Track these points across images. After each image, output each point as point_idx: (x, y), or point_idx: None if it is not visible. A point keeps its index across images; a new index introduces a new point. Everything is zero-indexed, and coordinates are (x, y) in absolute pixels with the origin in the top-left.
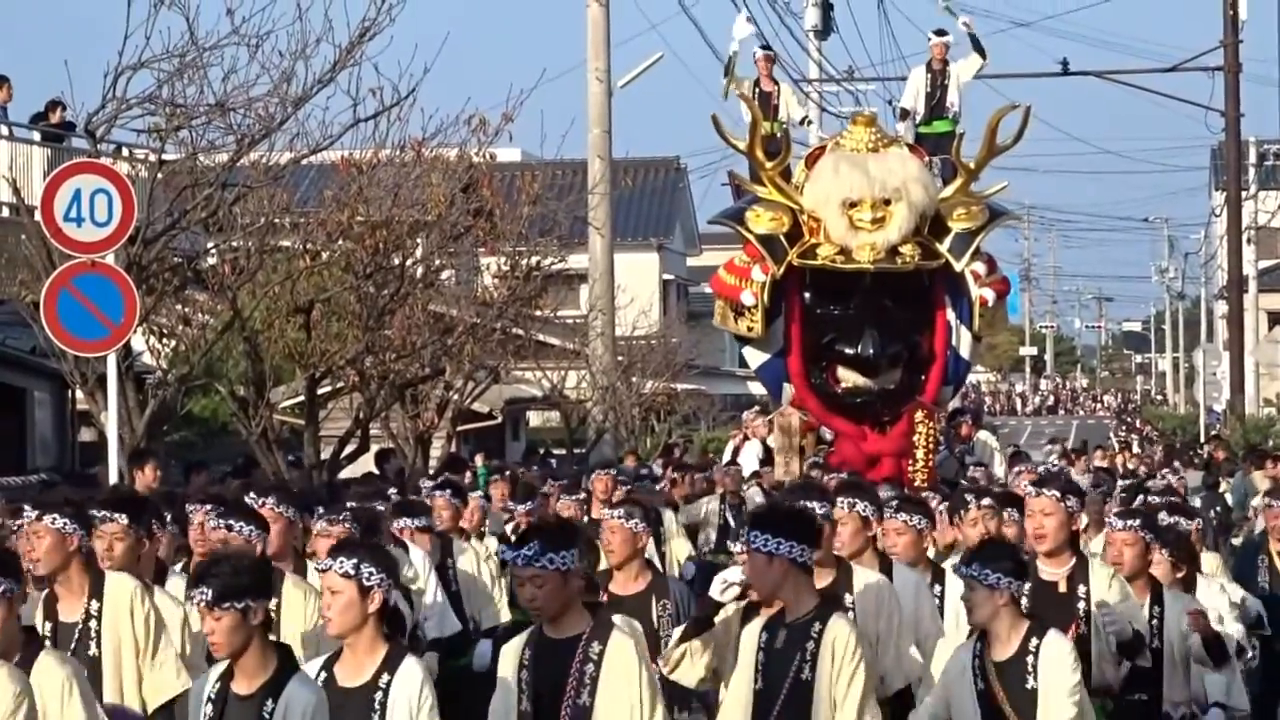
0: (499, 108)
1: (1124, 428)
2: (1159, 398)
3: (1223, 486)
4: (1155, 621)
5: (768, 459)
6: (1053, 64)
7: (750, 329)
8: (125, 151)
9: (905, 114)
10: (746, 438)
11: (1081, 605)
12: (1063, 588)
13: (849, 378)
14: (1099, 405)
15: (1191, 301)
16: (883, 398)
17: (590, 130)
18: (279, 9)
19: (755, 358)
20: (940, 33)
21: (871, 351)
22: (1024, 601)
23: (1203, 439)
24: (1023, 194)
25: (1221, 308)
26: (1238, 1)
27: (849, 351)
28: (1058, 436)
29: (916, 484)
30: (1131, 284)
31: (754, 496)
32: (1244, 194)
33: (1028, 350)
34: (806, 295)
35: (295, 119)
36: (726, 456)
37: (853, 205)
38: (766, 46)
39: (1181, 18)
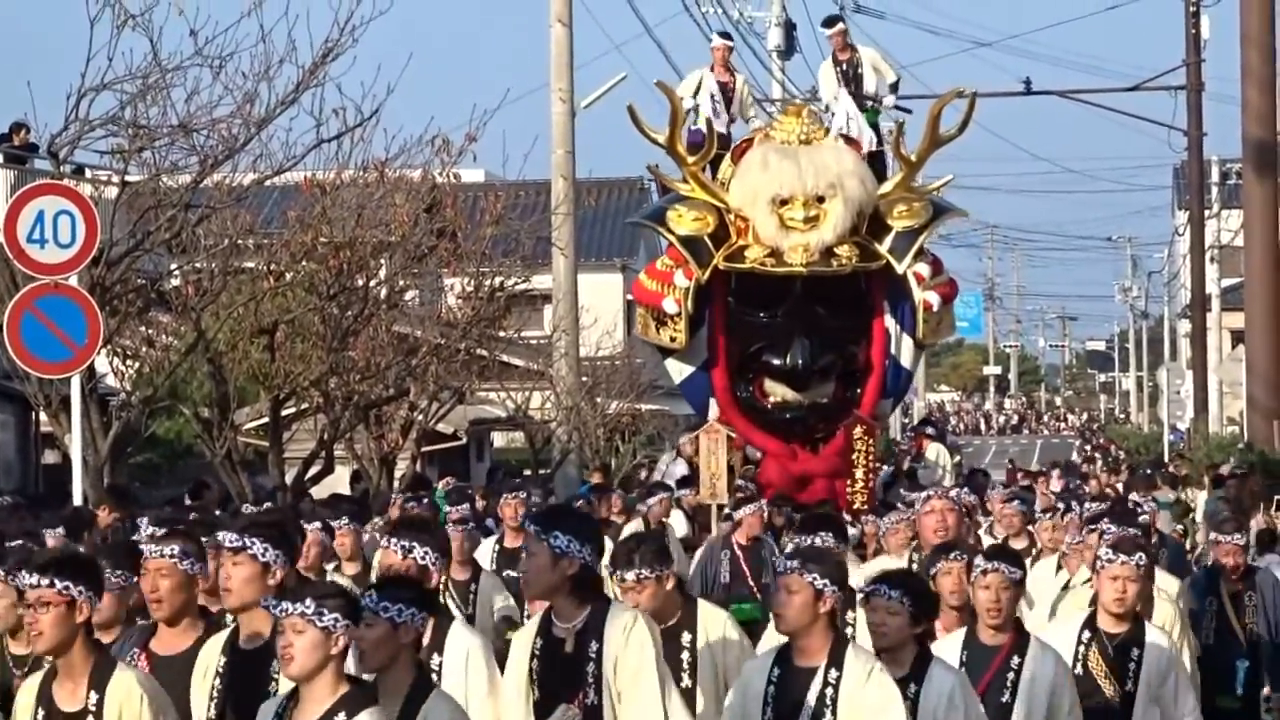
0: (462, 128)
1: (1089, 444)
2: (1122, 416)
3: (1177, 496)
4: (1134, 664)
5: (690, 480)
6: (1016, 83)
7: (673, 339)
8: (88, 173)
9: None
10: (678, 457)
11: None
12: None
13: (777, 391)
14: (1063, 425)
15: (1155, 320)
16: (814, 413)
17: (554, 151)
18: (242, 30)
19: (678, 371)
20: (829, 23)
21: (801, 362)
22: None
23: (1166, 458)
24: (986, 213)
25: (1185, 326)
26: (1199, 21)
27: (777, 363)
28: (1015, 460)
29: (855, 506)
30: (1095, 303)
31: (679, 524)
32: (1207, 213)
33: (992, 369)
34: (732, 301)
35: (258, 140)
36: (660, 470)
37: (784, 203)
38: (725, 35)
39: (1144, 37)
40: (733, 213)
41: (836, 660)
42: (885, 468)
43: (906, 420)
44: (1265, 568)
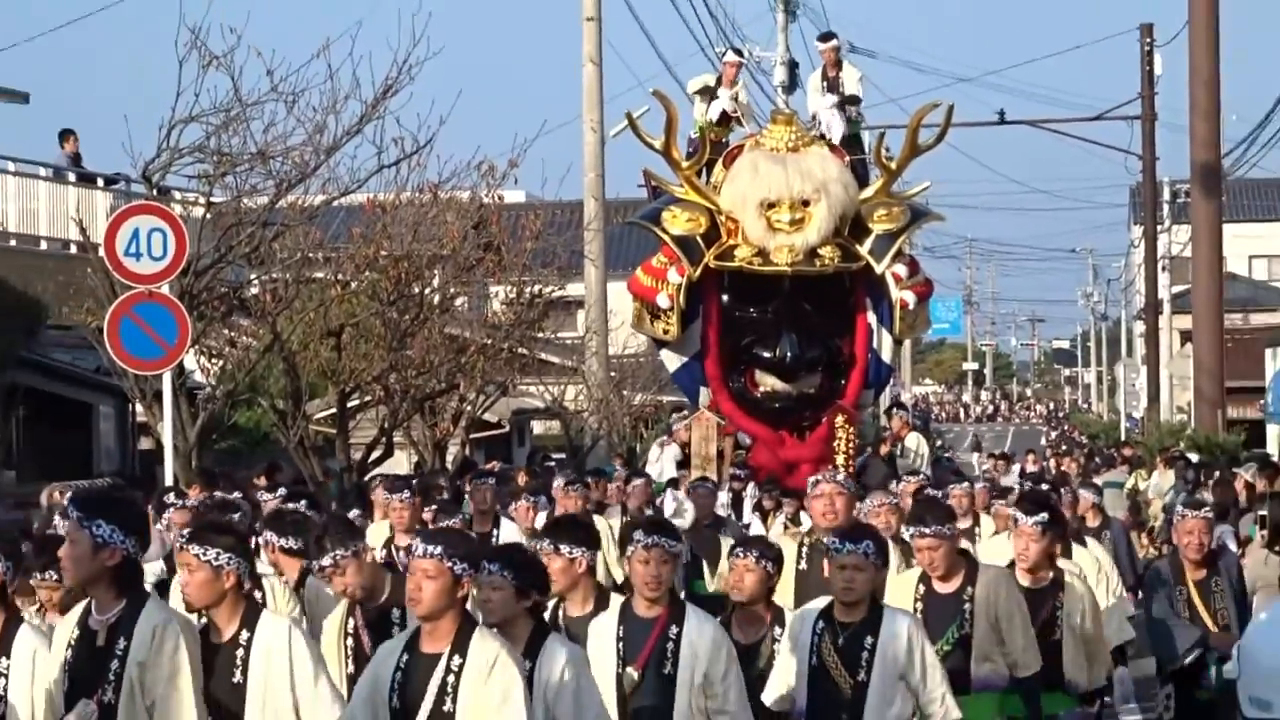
0: (505, 155)
1: (1055, 433)
2: (1084, 406)
3: (1132, 482)
4: (868, 652)
5: (685, 464)
6: (991, 114)
7: (666, 331)
8: (177, 195)
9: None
10: (670, 442)
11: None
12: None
13: (767, 382)
14: (1032, 414)
15: (1113, 322)
16: (802, 402)
17: (586, 174)
18: (312, 70)
19: (672, 361)
20: (825, 38)
21: (790, 355)
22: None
23: (1122, 444)
24: (964, 228)
25: (1139, 327)
26: (1153, 58)
27: (767, 355)
28: (980, 443)
29: None
30: (1060, 307)
31: (669, 502)
32: (1159, 228)
33: (970, 365)
34: (724, 298)
35: (327, 165)
36: (651, 459)
37: (771, 206)
38: (738, 51)
39: (1104, 73)
40: (723, 214)
41: (461, 647)
42: (863, 454)
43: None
44: (1228, 550)
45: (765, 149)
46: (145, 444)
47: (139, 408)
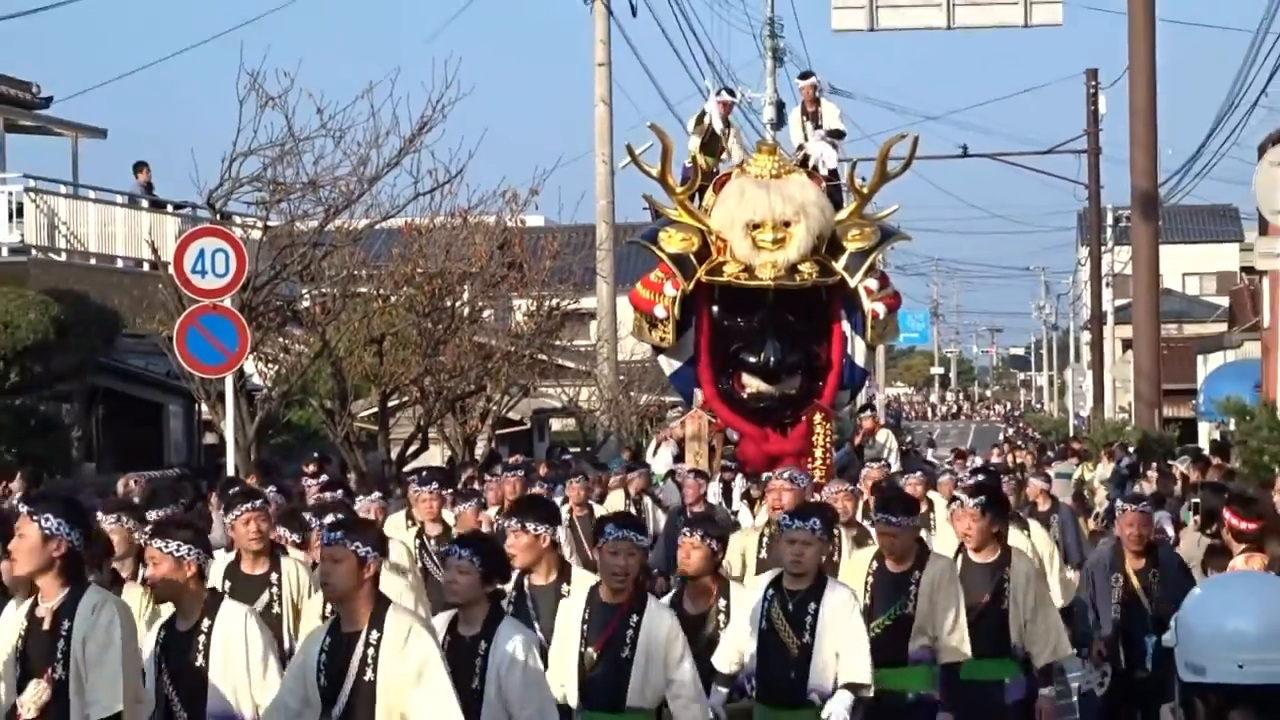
0: (527, 184)
1: (1012, 429)
2: (1037, 406)
3: (1079, 473)
4: (811, 617)
5: (681, 457)
6: (955, 148)
7: (662, 339)
8: (238, 219)
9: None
10: (668, 438)
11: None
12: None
13: (753, 384)
14: (991, 413)
15: (1062, 332)
16: (784, 402)
17: (597, 201)
18: (357, 109)
19: (668, 365)
20: (804, 76)
21: (773, 360)
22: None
23: (1071, 439)
24: (931, 249)
25: (1086, 336)
26: (1098, 99)
27: (752, 360)
28: (933, 440)
29: (815, 479)
30: (1016, 318)
31: (671, 492)
32: (1103, 249)
33: (937, 370)
34: (714, 309)
35: (370, 193)
36: (650, 453)
37: (756, 226)
38: (730, 91)
39: (1054, 111)
40: (714, 234)
41: (378, 623)
42: (844, 448)
43: (868, 406)
44: (1168, 545)
45: (750, 176)
46: (209, 439)
47: (204, 407)
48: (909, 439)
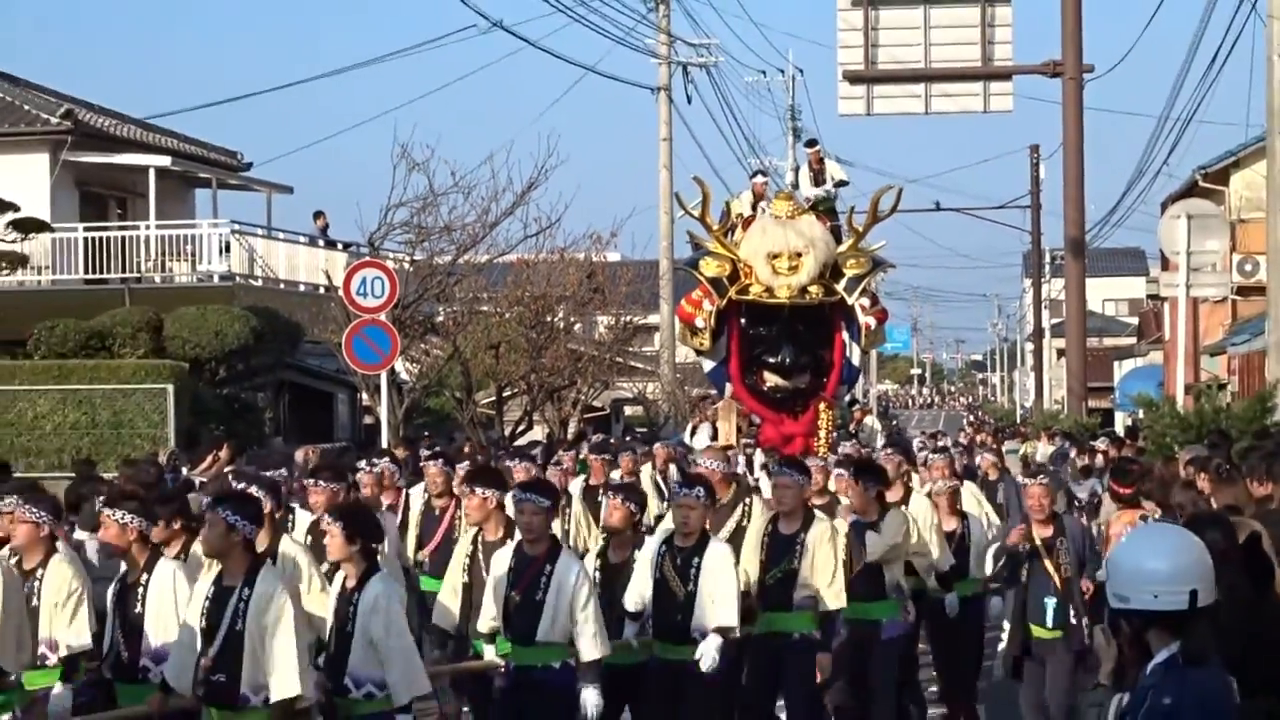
0: (608, 228)
1: (973, 416)
2: (992, 399)
3: (1023, 449)
4: (694, 570)
5: (715, 436)
6: (930, 204)
7: (701, 345)
8: (391, 254)
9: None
10: (705, 421)
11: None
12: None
13: (772, 379)
14: (957, 404)
15: (1011, 343)
16: (796, 394)
17: (660, 242)
18: (481, 172)
19: (706, 364)
20: (809, 144)
21: (788, 360)
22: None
23: (1018, 424)
24: (912, 280)
25: (1029, 346)
26: (1039, 166)
27: (772, 360)
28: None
29: (819, 454)
30: (976, 332)
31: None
32: (1043, 280)
33: (915, 371)
34: (742, 320)
35: (490, 236)
36: (686, 435)
37: (775, 256)
38: (764, 173)
39: (1005, 175)
40: (742, 262)
41: (250, 581)
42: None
43: (860, 400)
44: (1072, 516)
45: (770, 217)
46: (368, 420)
47: (365, 396)
48: (894, 423)
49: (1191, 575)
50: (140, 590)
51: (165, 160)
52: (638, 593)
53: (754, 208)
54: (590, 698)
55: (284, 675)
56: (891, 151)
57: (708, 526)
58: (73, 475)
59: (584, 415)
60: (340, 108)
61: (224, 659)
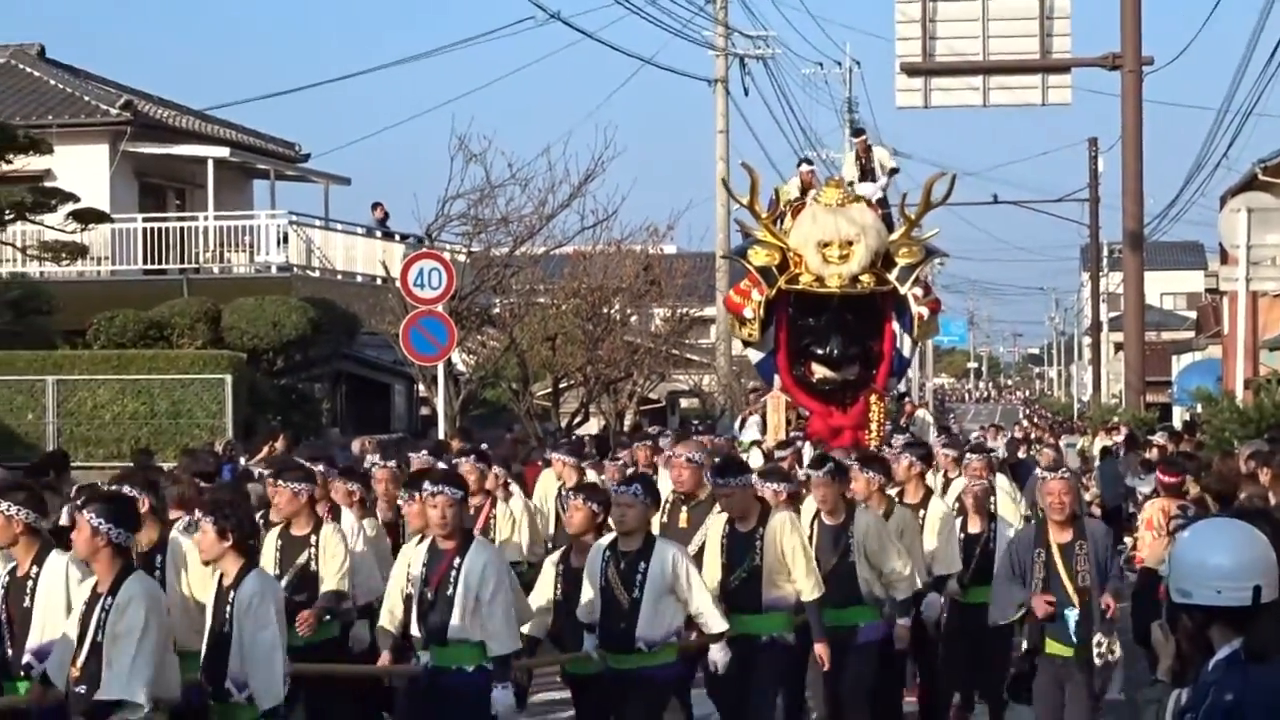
0: (664, 221)
1: (1029, 410)
2: (1049, 393)
3: (1081, 444)
4: (640, 575)
5: (764, 429)
6: (989, 197)
7: (750, 335)
8: (448, 246)
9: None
10: (753, 413)
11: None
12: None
13: (820, 371)
14: (1014, 397)
15: (1069, 336)
16: (845, 386)
17: (716, 234)
18: (538, 163)
19: (754, 356)
20: (856, 133)
21: (836, 352)
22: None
23: (1075, 418)
24: (969, 273)
25: (1088, 340)
26: (1097, 160)
27: (820, 352)
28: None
29: (871, 447)
30: (1033, 326)
31: (755, 458)
32: (1101, 274)
33: (972, 365)
34: (790, 311)
35: (547, 227)
36: (736, 427)
37: (825, 245)
38: (809, 160)
39: (1065, 169)
40: (791, 251)
41: (114, 589)
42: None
43: (915, 395)
44: (1097, 520)
45: (821, 204)
46: (425, 411)
47: (421, 387)
48: (951, 417)
49: (1255, 570)
50: (30, 584)
51: (223, 151)
52: (588, 601)
53: (802, 196)
54: (500, 698)
55: (115, 677)
56: (949, 144)
57: (683, 525)
58: (131, 465)
59: (640, 407)
60: (398, 100)
61: (88, 670)
